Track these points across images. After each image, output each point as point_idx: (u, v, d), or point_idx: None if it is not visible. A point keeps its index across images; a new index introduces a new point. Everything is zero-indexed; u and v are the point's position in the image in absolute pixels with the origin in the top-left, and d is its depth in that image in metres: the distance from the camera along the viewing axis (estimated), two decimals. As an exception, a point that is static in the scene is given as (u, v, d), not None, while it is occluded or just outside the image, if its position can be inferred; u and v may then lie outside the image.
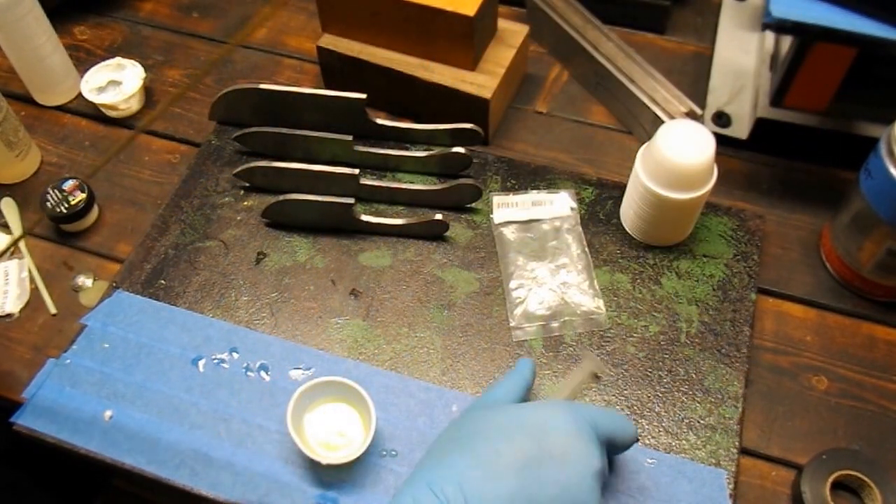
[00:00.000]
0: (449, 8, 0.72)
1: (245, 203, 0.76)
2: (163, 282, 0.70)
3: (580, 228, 0.72)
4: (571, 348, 0.66)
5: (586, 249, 0.71)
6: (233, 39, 0.86)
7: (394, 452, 0.60)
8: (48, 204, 0.73)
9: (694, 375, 0.64)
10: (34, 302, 0.71)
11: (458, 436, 0.50)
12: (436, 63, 0.78)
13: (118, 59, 0.85)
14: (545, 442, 0.48)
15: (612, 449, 0.53)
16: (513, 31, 0.80)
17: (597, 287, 0.69)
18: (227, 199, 0.76)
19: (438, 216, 0.71)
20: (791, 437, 0.62)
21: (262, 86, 0.77)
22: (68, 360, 0.65)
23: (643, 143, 0.68)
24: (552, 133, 0.81)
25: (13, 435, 0.62)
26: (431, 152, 0.75)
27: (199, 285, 0.70)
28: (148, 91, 0.87)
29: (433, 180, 0.77)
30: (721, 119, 0.78)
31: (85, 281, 0.72)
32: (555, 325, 0.67)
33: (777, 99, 0.74)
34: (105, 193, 0.78)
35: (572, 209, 0.74)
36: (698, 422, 0.61)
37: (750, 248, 0.71)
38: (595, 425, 0.51)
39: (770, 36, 0.82)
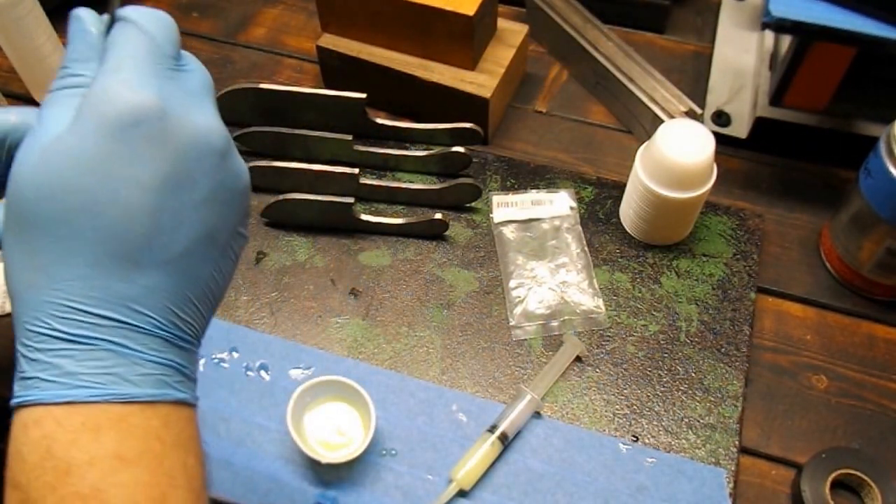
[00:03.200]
0: (449, 7, 0.72)
1: (245, 202, 0.76)
2: (163, 281, 0.70)
3: (580, 228, 0.73)
4: (571, 347, 0.66)
5: (586, 249, 0.71)
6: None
7: (393, 451, 0.60)
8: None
9: (693, 374, 0.64)
10: (34, 301, 0.71)
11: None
12: (435, 62, 0.78)
13: (118, 59, 0.85)
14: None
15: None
16: (512, 31, 0.80)
17: (596, 286, 0.69)
18: (226, 198, 0.76)
19: (438, 215, 0.71)
20: (791, 436, 0.62)
21: (262, 85, 0.76)
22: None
23: (643, 143, 0.68)
24: (552, 132, 0.81)
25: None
26: (431, 152, 0.75)
27: (198, 285, 0.70)
28: (148, 91, 0.87)
29: (433, 180, 0.77)
30: (720, 118, 0.78)
31: (85, 280, 0.72)
32: (554, 324, 0.67)
33: (776, 98, 0.74)
34: (105, 193, 0.78)
35: (572, 208, 0.74)
36: (698, 421, 0.62)
37: (749, 247, 0.71)
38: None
39: (769, 35, 0.82)
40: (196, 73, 0.36)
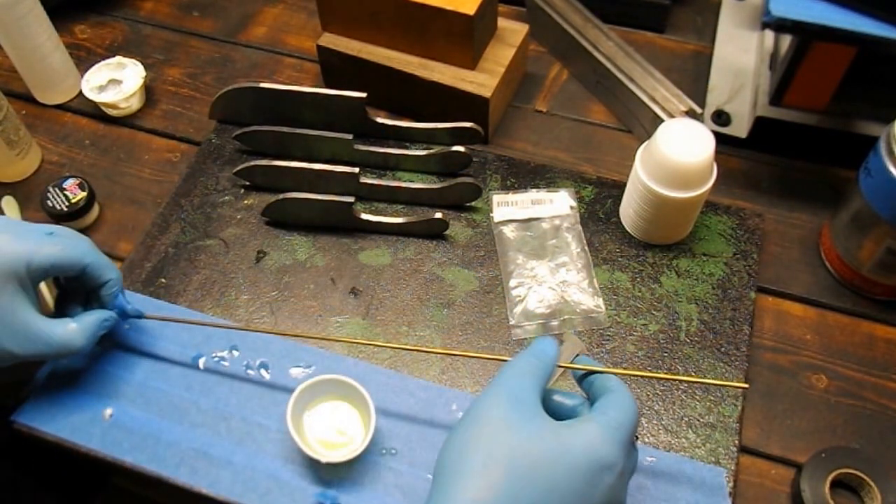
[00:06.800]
0: (449, 7, 0.72)
1: (245, 202, 0.76)
2: (163, 280, 0.71)
3: (580, 227, 0.73)
4: (571, 347, 0.66)
5: (586, 248, 0.71)
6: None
7: (394, 451, 0.60)
8: (49, 202, 0.73)
9: (693, 374, 0.64)
10: (34, 300, 0.71)
11: (492, 463, 0.43)
12: (436, 62, 0.78)
13: (119, 58, 0.85)
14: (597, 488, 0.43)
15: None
16: (513, 30, 0.80)
17: (596, 285, 0.69)
18: (227, 197, 0.76)
19: (438, 215, 0.71)
20: (790, 436, 0.62)
21: (263, 84, 0.77)
22: (68, 359, 0.65)
23: (643, 142, 0.68)
24: (552, 132, 0.81)
25: (13, 433, 0.62)
26: (431, 151, 0.75)
27: (199, 284, 0.70)
28: (148, 90, 0.87)
29: (433, 179, 0.77)
30: (721, 118, 0.78)
31: (85, 279, 0.72)
32: (554, 323, 0.67)
33: (776, 98, 0.74)
34: (105, 192, 0.78)
35: (572, 208, 0.74)
36: (698, 420, 0.62)
37: (749, 246, 0.71)
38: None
39: (770, 35, 0.82)
40: None
